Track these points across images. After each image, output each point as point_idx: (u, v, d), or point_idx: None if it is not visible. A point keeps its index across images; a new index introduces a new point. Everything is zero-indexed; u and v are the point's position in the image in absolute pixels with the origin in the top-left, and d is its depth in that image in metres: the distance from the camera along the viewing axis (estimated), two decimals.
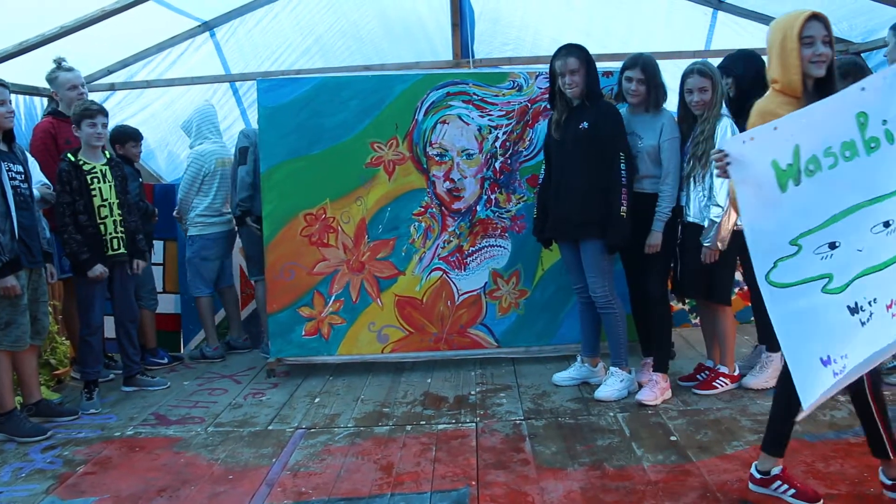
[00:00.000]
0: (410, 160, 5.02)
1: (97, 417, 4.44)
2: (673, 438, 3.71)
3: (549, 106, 4.51)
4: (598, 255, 4.28)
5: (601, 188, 4.19)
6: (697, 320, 5.82)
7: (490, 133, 5.00)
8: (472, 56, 6.12)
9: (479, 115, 4.99)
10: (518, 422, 4.06)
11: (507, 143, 5.01)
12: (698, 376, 4.49)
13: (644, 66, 4.23)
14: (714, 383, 4.35)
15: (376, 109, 4.97)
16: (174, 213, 5.74)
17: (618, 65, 4.86)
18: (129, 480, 3.52)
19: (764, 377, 4.39)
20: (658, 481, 3.25)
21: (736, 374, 4.39)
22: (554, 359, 5.04)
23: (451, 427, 4.04)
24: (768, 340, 4.48)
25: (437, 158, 5.03)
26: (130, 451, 3.89)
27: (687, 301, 5.76)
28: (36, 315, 4.27)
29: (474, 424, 4.06)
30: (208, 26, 6.18)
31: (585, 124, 4.20)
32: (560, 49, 4.26)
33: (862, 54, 5.53)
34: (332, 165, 4.97)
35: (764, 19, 6.04)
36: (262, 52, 6.52)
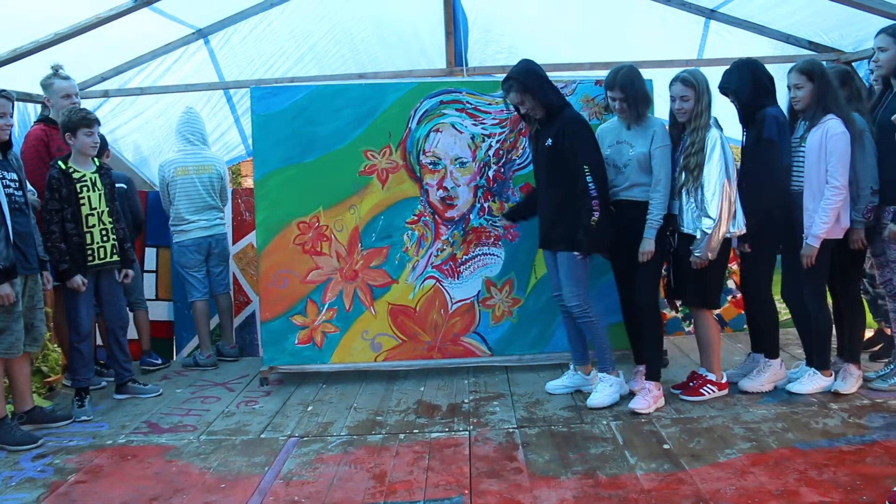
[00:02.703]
0: (404, 168, 5.02)
1: (89, 425, 4.42)
2: (666, 447, 3.71)
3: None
4: (571, 266, 4.30)
5: (569, 202, 4.22)
6: (691, 328, 5.84)
7: (483, 141, 5.01)
8: (466, 64, 6.14)
9: (473, 124, 5.00)
10: (511, 430, 4.06)
11: (501, 152, 5.02)
12: (690, 384, 4.50)
13: (622, 87, 4.22)
14: (701, 390, 4.36)
15: (370, 118, 4.97)
16: None
17: None
18: (120, 489, 3.50)
19: (760, 381, 4.41)
20: (651, 489, 3.24)
21: (724, 381, 4.40)
22: (547, 367, 5.04)
23: (444, 435, 4.04)
24: (766, 348, 4.49)
25: (430, 167, 5.03)
26: (122, 460, 3.87)
27: (680, 309, 5.78)
28: (32, 322, 4.25)
29: (467, 433, 4.05)
30: (202, 34, 6.19)
31: (550, 141, 4.24)
32: (502, 84, 4.34)
33: (852, 63, 5.56)
34: (325, 173, 4.97)
35: (756, 29, 6.09)
36: (256, 59, 6.53)
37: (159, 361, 5.70)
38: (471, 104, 4.99)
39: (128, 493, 3.45)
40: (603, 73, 4.99)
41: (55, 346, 5.42)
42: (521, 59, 4.39)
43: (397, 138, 5.00)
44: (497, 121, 4.99)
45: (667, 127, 4.33)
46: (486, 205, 5.06)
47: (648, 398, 4.26)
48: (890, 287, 4.24)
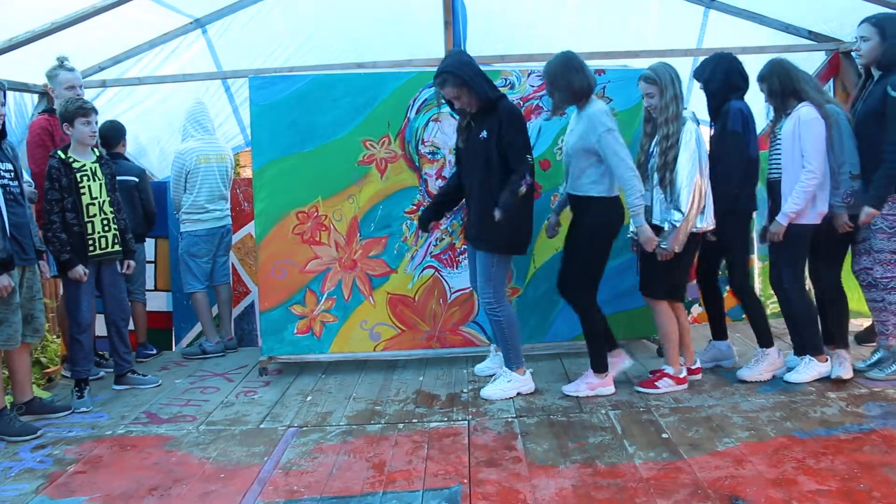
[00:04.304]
0: (402, 158, 5.01)
1: (88, 416, 4.42)
2: (664, 436, 3.72)
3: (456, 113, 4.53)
4: (487, 264, 4.29)
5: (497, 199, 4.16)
6: (690, 317, 5.84)
7: None
8: None
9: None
10: (510, 419, 4.06)
11: None
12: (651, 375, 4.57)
13: (545, 74, 4.22)
14: (657, 383, 4.37)
15: (368, 107, 4.96)
16: (176, 213, 5.79)
17: (609, 63, 4.88)
18: (120, 479, 3.50)
19: (758, 370, 4.43)
20: (649, 478, 3.25)
21: (682, 375, 4.39)
22: (546, 356, 5.04)
23: (443, 425, 4.04)
24: (759, 338, 4.51)
25: (429, 156, 5.02)
26: (121, 450, 3.88)
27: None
28: (32, 313, 4.25)
29: (466, 422, 4.06)
30: (200, 23, 6.16)
31: (485, 133, 4.18)
32: (434, 77, 4.23)
33: (852, 53, 5.55)
34: (324, 163, 4.96)
35: (755, 18, 6.07)
36: (254, 49, 6.50)
37: (154, 352, 5.73)
38: None
39: (127, 483, 3.46)
40: (601, 64, 5.00)
41: (54, 337, 5.42)
42: (452, 50, 4.37)
43: (396, 128, 4.99)
44: None
45: (603, 110, 4.25)
46: None
47: (581, 384, 4.36)
48: (864, 276, 4.26)
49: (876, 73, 4.16)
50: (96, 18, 5.15)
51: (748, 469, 3.28)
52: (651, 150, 4.29)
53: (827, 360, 4.35)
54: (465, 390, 4.60)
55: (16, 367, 4.25)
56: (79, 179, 4.53)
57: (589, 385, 4.34)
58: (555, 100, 4.22)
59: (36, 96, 5.50)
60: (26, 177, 4.56)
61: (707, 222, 4.21)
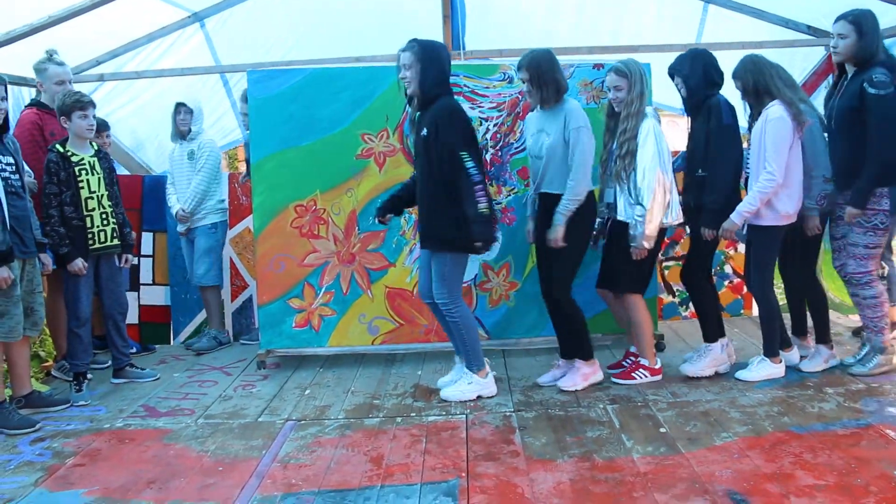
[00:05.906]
0: (401, 152, 5.00)
1: (86, 409, 4.42)
2: (662, 430, 3.72)
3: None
4: (443, 265, 4.21)
5: (448, 197, 4.07)
6: (688, 313, 5.85)
7: (481, 125, 4.98)
8: (463, 48, 6.11)
9: (470, 107, 4.95)
10: (508, 413, 4.07)
11: (498, 135, 5.00)
12: (623, 363, 4.57)
13: (527, 67, 4.18)
14: (633, 374, 4.40)
15: (367, 101, 4.95)
16: (181, 211, 5.58)
17: (608, 58, 4.86)
18: (118, 472, 3.51)
19: (700, 366, 4.45)
20: (647, 472, 3.26)
21: (657, 367, 4.42)
22: (544, 350, 5.04)
23: (441, 419, 4.05)
24: (704, 332, 4.53)
25: None
26: (120, 443, 3.88)
27: (677, 293, 5.80)
28: (31, 306, 4.25)
29: (464, 416, 4.06)
30: (198, 17, 6.16)
31: (425, 131, 4.12)
32: (407, 42, 4.14)
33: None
34: (322, 157, 4.95)
35: (754, 13, 6.06)
36: (252, 43, 6.49)
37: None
38: (468, 87, 4.96)
39: (125, 476, 3.47)
40: (601, 58, 5.00)
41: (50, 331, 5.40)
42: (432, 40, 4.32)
43: (394, 122, 4.98)
44: (494, 104, 4.97)
45: (580, 108, 4.27)
46: None
47: (576, 376, 4.36)
48: (844, 272, 4.27)
49: (850, 70, 4.15)
50: (94, 12, 5.15)
51: (746, 463, 3.28)
52: (614, 147, 4.27)
53: (781, 362, 4.37)
54: None
55: (15, 360, 4.25)
56: (77, 173, 4.53)
57: (583, 375, 4.36)
58: (543, 95, 4.19)
59: (34, 90, 5.48)
60: (26, 167, 4.56)
61: (674, 218, 4.22)
